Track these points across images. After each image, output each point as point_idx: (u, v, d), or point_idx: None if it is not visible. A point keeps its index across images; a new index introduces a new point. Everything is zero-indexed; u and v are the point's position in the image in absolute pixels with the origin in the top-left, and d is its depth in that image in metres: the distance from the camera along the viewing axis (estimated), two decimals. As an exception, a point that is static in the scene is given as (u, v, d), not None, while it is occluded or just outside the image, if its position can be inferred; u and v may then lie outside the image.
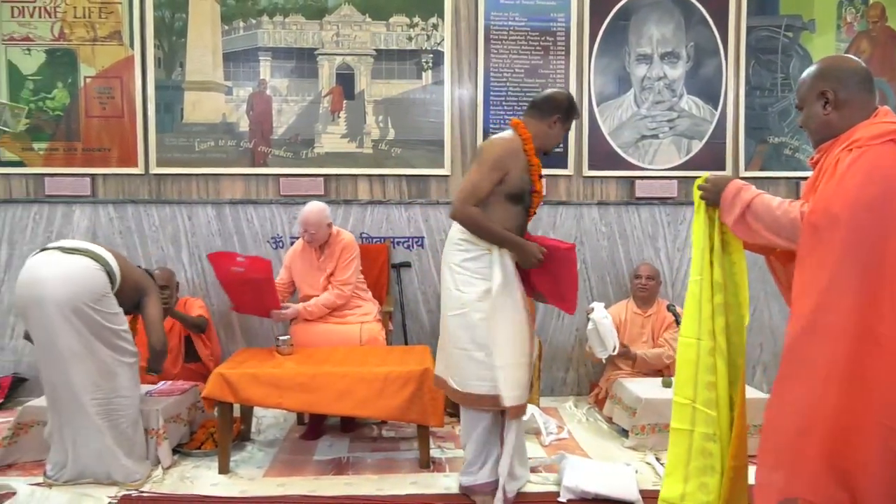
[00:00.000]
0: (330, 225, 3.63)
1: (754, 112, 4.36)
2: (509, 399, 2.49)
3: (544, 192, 3.03)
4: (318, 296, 3.59)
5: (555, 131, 2.66)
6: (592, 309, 3.57)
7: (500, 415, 2.62)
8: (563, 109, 2.65)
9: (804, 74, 1.90)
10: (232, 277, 3.31)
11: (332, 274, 3.60)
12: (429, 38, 4.23)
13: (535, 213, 2.75)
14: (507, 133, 2.66)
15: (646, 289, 3.88)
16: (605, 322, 3.52)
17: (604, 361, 3.66)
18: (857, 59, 1.88)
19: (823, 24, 4.35)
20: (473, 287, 2.54)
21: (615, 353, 3.54)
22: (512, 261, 2.57)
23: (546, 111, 2.65)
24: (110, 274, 2.86)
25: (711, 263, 2.05)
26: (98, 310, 2.76)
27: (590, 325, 3.55)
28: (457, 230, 2.61)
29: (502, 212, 2.56)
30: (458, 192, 2.56)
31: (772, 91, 4.37)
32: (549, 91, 2.71)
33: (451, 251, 2.61)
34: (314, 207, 3.59)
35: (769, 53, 4.36)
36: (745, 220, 1.89)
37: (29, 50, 4.14)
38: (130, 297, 3.01)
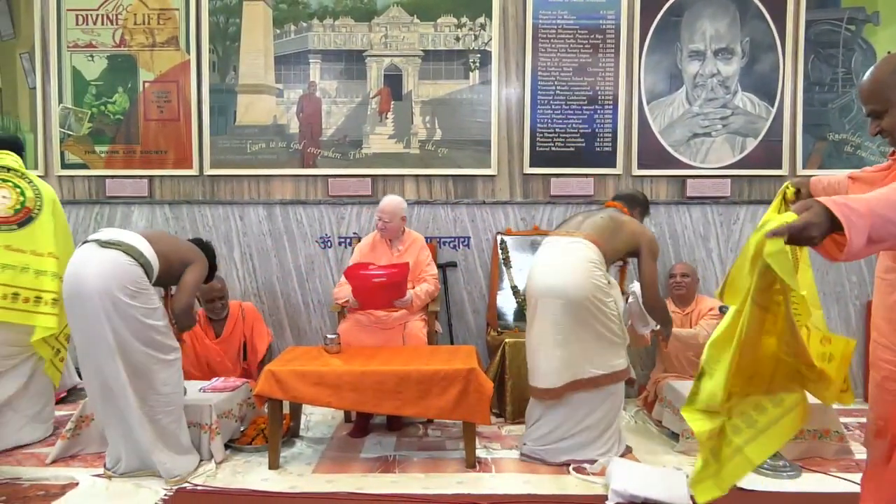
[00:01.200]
0: (404, 219, 3.73)
1: (813, 108, 4.22)
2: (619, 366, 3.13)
3: None
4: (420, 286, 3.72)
5: (635, 222, 3.34)
6: (633, 287, 3.51)
7: None
8: (645, 205, 3.50)
9: (878, 75, 1.68)
10: (370, 286, 3.45)
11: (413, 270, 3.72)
12: (476, 37, 4.23)
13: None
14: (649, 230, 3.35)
15: (681, 286, 3.83)
16: None
17: (647, 337, 3.53)
18: None
19: (888, 16, 4.18)
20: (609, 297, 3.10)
21: (657, 328, 3.45)
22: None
23: (635, 205, 3.43)
24: (145, 266, 2.85)
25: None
26: (134, 305, 2.77)
27: (630, 299, 3.45)
28: (593, 252, 3.08)
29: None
30: (652, 285, 3.17)
31: (832, 86, 4.22)
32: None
33: (593, 269, 3.04)
34: (393, 198, 3.75)
35: (830, 47, 4.21)
36: (864, 252, 1.40)
37: (92, 56, 4.31)
38: (179, 272, 3.04)
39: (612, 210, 3.33)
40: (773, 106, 4.22)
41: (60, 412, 3.76)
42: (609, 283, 3.09)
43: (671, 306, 3.87)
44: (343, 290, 3.64)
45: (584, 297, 2.97)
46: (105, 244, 2.84)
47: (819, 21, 4.19)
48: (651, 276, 3.16)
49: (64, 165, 4.35)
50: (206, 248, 3.27)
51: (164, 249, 2.98)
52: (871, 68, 1.73)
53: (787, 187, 2.05)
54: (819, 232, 1.35)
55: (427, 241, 4.26)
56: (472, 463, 3.06)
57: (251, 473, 3.01)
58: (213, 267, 3.27)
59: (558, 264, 3.05)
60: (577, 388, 3.03)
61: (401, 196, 4.25)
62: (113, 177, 4.35)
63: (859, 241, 1.34)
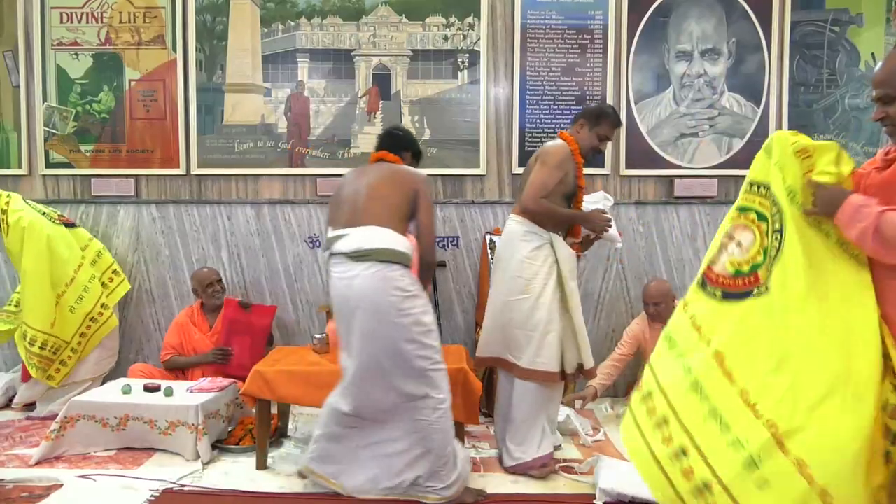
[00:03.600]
0: None
1: (799, 109, 4.25)
2: (588, 361, 3.05)
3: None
4: None
5: (582, 135, 3.07)
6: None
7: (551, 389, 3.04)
8: (587, 115, 3.09)
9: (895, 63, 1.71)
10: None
11: None
12: (465, 37, 4.23)
13: (580, 207, 3.17)
14: (559, 141, 3.06)
15: (655, 315, 3.78)
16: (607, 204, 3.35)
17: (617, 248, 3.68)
18: None
19: (872, 17, 4.22)
20: (539, 275, 2.93)
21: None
22: (563, 247, 3.00)
23: (576, 118, 3.14)
24: (403, 261, 2.60)
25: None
26: (407, 312, 2.55)
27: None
28: (518, 226, 3.01)
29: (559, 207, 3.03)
30: (530, 189, 2.94)
31: (817, 87, 4.25)
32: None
33: (517, 244, 2.98)
34: None
35: (815, 49, 4.24)
36: (869, 236, 1.62)
37: (77, 55, 4.27)
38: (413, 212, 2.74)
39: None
40: (759, 106, 4.26)
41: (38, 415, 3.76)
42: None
43: (648, 327, 3.84)
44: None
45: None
46: (359, 257, 2.58)
47: (804, 22, 4.23)
48: (531, 181, 2.97)
49: (48, 165, 4.31)
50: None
51: (395, 217, 2.66)
52: (890, 53, 1.75)
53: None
54: (823, 211, 1.71)
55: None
56: (460, 462, 3.05)
57: (239, 474, 3.00)
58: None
59: None
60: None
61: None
62: (98, 176, 4.31)
63: (849, 233, 1.66)
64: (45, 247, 3.73)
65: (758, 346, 1.68)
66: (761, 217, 1.80)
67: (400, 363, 2.55)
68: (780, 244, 1.72)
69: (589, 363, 3.05)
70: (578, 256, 3.18)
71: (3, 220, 3.76)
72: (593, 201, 3.28)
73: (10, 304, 3.99)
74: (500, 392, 3.21)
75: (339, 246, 2.63)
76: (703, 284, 1.89)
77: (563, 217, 3.04)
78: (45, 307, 3.70)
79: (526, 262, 2.95)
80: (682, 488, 1.71)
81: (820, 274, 1.67)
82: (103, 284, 4.00)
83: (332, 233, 2.71)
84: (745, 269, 1.78)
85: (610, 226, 3.10)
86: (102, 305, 3.95)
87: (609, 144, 4.11)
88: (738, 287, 1.77)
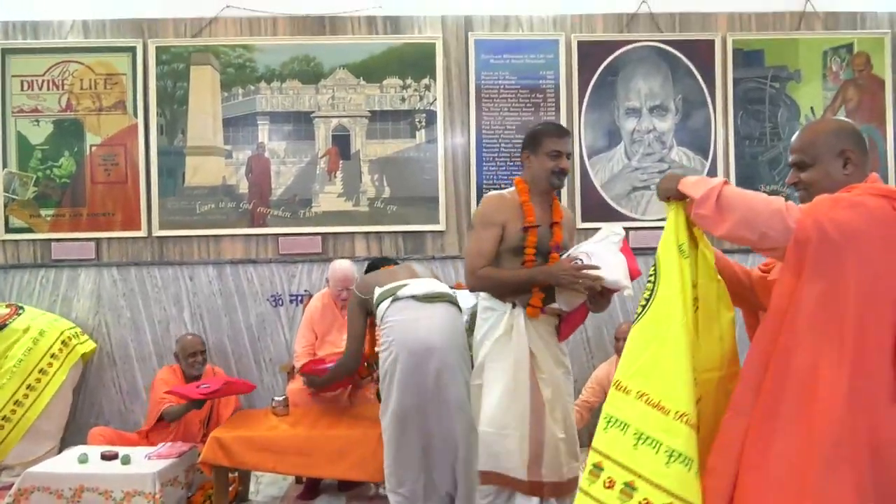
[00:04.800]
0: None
1: (744, 161, 4.43)
2: (482, 464, 2.41)
3: (552, 242, 2.56)
4: (338, 352, 3.51)
5: (533, 167, 2.55)
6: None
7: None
8: (525, 144, 2.61)
9: (812, 132, 1.80)
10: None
11: None
12: (421, 98, 4.36)
13: (531, 257, 2.51)
14: (486, 196, 2.67)
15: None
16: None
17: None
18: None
19: (809, 73, 4.44)
20: (492, 356, 2.46)
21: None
22: (525, 320, 2.43)
23: (521, 155, 2.64)
24: (458, 305, 2.88)
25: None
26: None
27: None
28: (481, 300, 2.57)
29: (509, 267, 2.50)
30: (466, 262, 2.55)
31: (761, 140, 4.44)
32: None
33: (478, 323, 2.56)
34: (347, 265, 3.76)
35: (757, 104, 4.44)
36: (711, 206, 1.69)
37: (38, 121, 4.31)
38: None
39: None
40: (706, 159, 4.42)
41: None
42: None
43: (614, 369, 3.91)
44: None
45: None
46: (430, 299, 2.82)
47: (746, 79, 4.43)
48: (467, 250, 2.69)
49: (8, 230, 4.30)
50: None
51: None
52: (811, 123, 1.87)
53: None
54: (668, 188, 1.82)
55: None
56: (422, 525, 3.04)
57: (196, 544, 2.96)
58: None
59: None
60: None
61: (351, 254, 4.31)
62: (59, 240, 4.31)
63: (692, 206, 1.74)
64: None
65: (635, 350, 1.81)
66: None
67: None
68: (654, 283, 1.83)
69: (550, 477, 2.40)
70: (575, 323, 2.59)
71: None
72: (598, 240, 2.47)
73: None
74: None
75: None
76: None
77: (512, 281, 2.46)
78: None
79: (482, 342, 2.51)
80: None
81: (685, 294, 1.80)
82: (52, 356, 3.96)
83: None
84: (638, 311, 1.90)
85: (581, 279, 2.32)
86: (40, 370, 3.92)
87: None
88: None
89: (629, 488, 1.74)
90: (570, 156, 2.60)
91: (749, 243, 1.69)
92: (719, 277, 1.89)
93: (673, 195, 1.82)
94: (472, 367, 2.60)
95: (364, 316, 3.01)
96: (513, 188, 2.60)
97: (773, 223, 1.61)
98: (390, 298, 2.82)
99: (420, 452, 2.75)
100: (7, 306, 4.05)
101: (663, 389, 1.72)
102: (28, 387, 3.89)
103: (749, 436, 1.63)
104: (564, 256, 2.48)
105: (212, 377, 3.89)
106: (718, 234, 1.72)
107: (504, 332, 2.42)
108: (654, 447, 1.71)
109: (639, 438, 1.74)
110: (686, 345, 1.74)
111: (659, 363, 1.75)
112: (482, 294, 2.55)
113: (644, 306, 1.85)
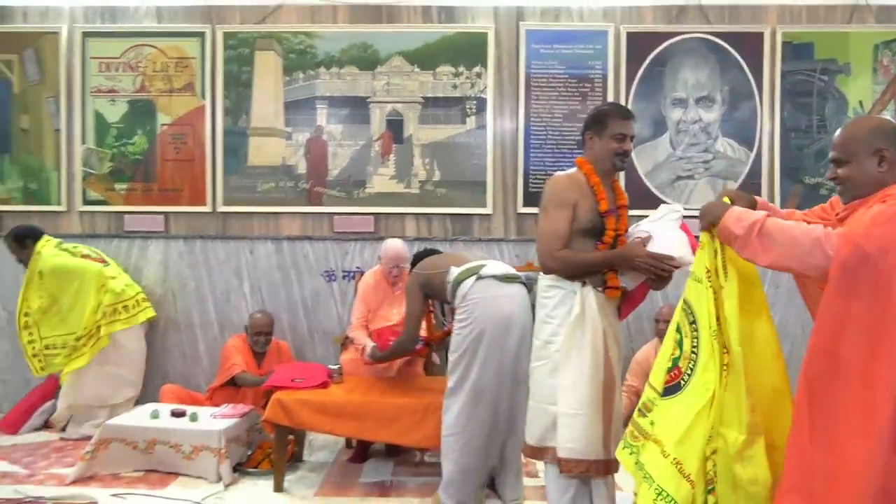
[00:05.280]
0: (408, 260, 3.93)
1: (790, 153, 4.48)
2: (563, 450, 2.34)
3: (619, 225, 2.53)
4: (389, 325, 3.79)
5: (596, 148, 2.53)
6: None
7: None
8: (588, 124, 2.56)
9: (851, 131, 1.90)
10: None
11: None
12: (473, 85, 4.52)
13: (609, 242, 2.49)
14: (554, 176, 2.60)
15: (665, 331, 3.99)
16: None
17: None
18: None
19: (859, 67, 4.45)
20: (559, 336, 2.42)
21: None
22: (601, 297, 2.45)
23: (582, 135, 2.61)
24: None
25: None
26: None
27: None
28: (542, 278, 2.54)
29: (580, 248, 2.47)
30: (539, 245, 2.48)
31: (807, 133, 4.48)
32: None
33: (540, 300, 2.53)
34: (400, 244, 3.92)
35: (804, 96, 4.48)
36: (754, 241, 1.82)
37: (114, 101, 4.61)
38: None
39: None
40: (751, 150, 4.49)
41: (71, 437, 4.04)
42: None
43: (659, 346, 4.03)
44: (361, 338, 3.75)
45: None
46: (507, 279, 2.98)
47: (794, 71, 4.47)
48: (538, 233, 2.54)
49: (85, 202, 4.63)
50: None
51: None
52: (849, 122, 1.97)
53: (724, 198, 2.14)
54: (710, 219, 1.95)
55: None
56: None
57: (257, 496, 3.24)
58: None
59: None
60: None
61: (401, 234, 4.52)
62: (131, 212, 4.62)
63: (732, 240, 1.88)
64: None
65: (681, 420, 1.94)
66: (678, 329, 2.06)
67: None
68: (696, 337, 1.97)
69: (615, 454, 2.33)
70: (636, 301, 2.62)
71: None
72: (655, 219, 2.48)
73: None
74: None
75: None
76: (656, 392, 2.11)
77: (590, 264, 2.44)
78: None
79: (546, 321, 2.49)
80: None
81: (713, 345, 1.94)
82: (116, 311, 4.22)
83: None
84: (670, 364, 2.04)
85: (652, 261, 2.34)
86: (115, 313, 4.21)
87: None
88: (669, 381, 2.03)
89: None
90: (633, 138, 2.56)
91: (792, 271, 1.86)
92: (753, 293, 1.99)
93: (716, 224, 1.94)
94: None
95: (423, 296, 3.18)
96: (575, 169, 2.57)
97: (814, 252, 1.74)
98: (473, 277, 2.94)
99: (488, 427, 2.90)
100: (95, 254, 4.35)
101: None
102: (98, 327, 4.15)
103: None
104: (627, 237, 2.52)
105: (276, 354, 4.17)
106: (763, 264, 1.86)
107: (580, 312, 2.39)
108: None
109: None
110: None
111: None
112: (542, 272, 2.54)
113: (683, 369, 1.99)
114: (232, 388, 4.07)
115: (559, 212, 2.45)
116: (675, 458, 1.88)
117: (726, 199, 2.05)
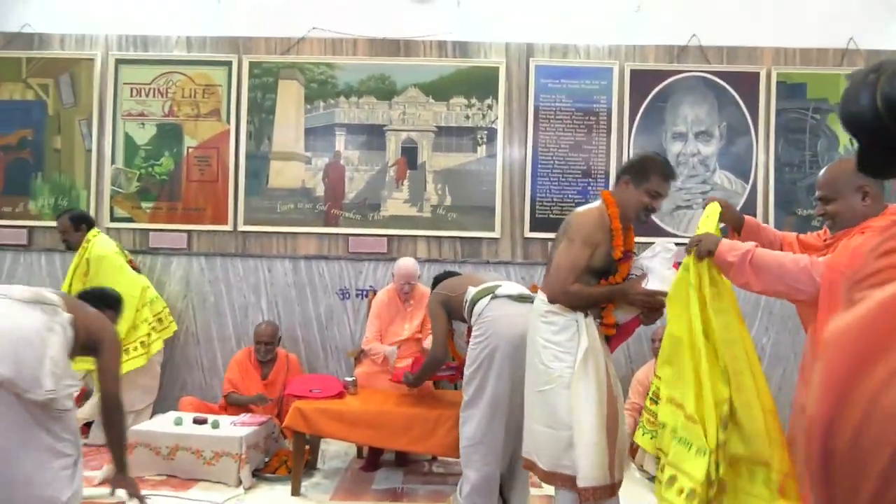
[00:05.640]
0: (418, 277, 4.20)
1: (783, 186, 4.72)
2: (584, 480, 2.39)
3: (624, 268, 2.64)
4: (400, 340, 4.09)
5: (627, 195, 2.57)
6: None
7: None
8: (630, 170, 2.61)
9: (835, 171, 2.10)
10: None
11: (422, 322, 4.12)
12: (484, 116, 4.78)
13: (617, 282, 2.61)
14: (594, 204, 2.65)
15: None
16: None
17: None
18: None
19: (849, 106, 4.70)
20: (561, 362, 2.49)
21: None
22: (598, 329, 2.56)
23: (619, 175, 2.66)
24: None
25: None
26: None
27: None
28: (541, 303, 2.62)
29: (584, 283, 2.56)
30: (556, 275, 2.53)
31: (800, 167, 4.73)
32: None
33: (538, 325, 2.61)
34: (412, 263, 4.19)
35: (798, 133, 4.74)
36: (747, 268, 2.02)
37: (143, 124, 4.87)
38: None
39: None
40: (747, 183, 4.73)
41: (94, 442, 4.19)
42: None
43: (653, 369, 4.22)
44: (378, 347, 4.04)
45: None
46: (521, 299, 3.08)
47: (788, 110, 4.73)
48: (557, 264, 2.57)
49: (112, 219, 4.86)
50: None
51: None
52: (832, 164, 2.20)
53: (710, 203, 2.40)
54: (707, 246, 2.12)
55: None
56: (472, 496, 3.43)
57: (275, 499, 3.41)
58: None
59: None
60: None
61: (413, 255, 4.74)
62: (156, 230, 4.85)
63: (726, 267, 2.09)
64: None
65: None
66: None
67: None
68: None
69: (620, 476, 2.50)
70: (626, 335, 2.78)
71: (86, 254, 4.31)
72: (648, 257, 2.61)
73: None
74: None
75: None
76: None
77: (598, 299, 2.57)
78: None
79: (545, 346, 2.56)
80: None
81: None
82: (152, 327, 4.46)
83: None
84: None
85: (648, 298, 2.50)
86: (141, 343, 4.39)
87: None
88: None
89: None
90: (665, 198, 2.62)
91: (783, 296, 2.07)
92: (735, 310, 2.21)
93: (713, 252, 2.13)
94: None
95: (447, 313, 3.36)
96: (601, 203, 2.62)
97: (802, 278, 1.98)
98: (489, 296, 3.09)
99: (503, 436, 3.06)
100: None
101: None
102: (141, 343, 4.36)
103: None
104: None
105: (285, 364, 4.35)
106: (756, 290, 2.08)
107: (588, 344, 2.47)
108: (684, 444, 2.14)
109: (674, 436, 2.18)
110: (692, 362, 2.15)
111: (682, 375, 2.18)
112: (542, 297, 2.62)
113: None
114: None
115: (584, 249, 2.52)
116: (692, 413, 2.11)
117: (715, 205, 2.34)
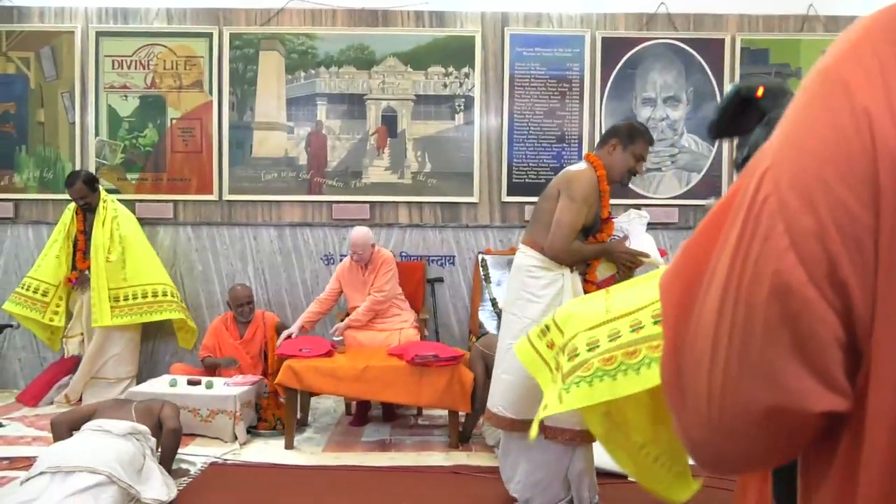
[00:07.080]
0: (373, 246, 4.29)
1: (747, 148, 4.94)
2: (549, 420, 2.35)
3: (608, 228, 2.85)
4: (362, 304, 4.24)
5: (615, 157, 2.70)
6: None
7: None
8: (619, 134, 2.72)
9: None
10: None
11: (373, 284, 4.27)
12: (461, 85, 4.92)
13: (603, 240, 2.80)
14: (583, 165, 2.74)
15: None
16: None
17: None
18: None
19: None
20: (545, 316, 2.44)
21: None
22: (581, 284, 2.71)
23: (605, 139, 2.77)
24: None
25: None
26: None
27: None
28: (527, 258, 2.67)
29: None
30: (558, 231, 2.59)
31: (763, 130, 4.94)
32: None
33: (524, 280, 2.64)
34: (360, 232, 4.27)
35: (761, 97, 4.94)
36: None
37: (126, 96, 4.94)
38: None
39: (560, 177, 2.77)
40: (713, 146, 4.95)
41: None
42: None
43: None
44: (303, 316, 4.29)
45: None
46: None
47: (751, 74, 4.93)
48: (559, 221, 2.61)
49: (98, 190, 4.95)
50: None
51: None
52: None
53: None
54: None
55: (417, 260, 4.91)
56: (455, 444, 3.67)
57: (270, 452, 3.60)
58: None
59: None
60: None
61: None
62: (142, 201, 4.95)
63: None
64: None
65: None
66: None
67: None
68: None
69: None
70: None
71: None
72: (624, 221, 2.83)
73: (25, 289, 4.54)
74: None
75: None
76: None
77: (590, 256, 2.72)
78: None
79: (532, 300, 2.62)
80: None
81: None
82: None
83: None
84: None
85: (631, 256, 2.70)
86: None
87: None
88: None
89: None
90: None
91: None
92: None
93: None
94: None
95: (483, 363, 3.60)
96: (588, 165, 2.72)
97: None
98: None
99: None
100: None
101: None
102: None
103: None
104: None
105: (261, 322, 4.50)
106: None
107: (569, 294, 2.60)
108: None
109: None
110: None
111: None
112: (531, 252, 2.68)
113: None
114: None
115: (584, 207, 2.62)
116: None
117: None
